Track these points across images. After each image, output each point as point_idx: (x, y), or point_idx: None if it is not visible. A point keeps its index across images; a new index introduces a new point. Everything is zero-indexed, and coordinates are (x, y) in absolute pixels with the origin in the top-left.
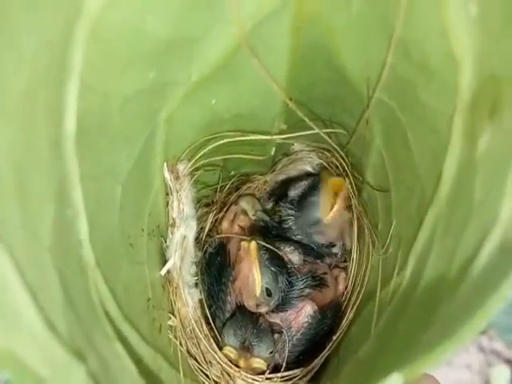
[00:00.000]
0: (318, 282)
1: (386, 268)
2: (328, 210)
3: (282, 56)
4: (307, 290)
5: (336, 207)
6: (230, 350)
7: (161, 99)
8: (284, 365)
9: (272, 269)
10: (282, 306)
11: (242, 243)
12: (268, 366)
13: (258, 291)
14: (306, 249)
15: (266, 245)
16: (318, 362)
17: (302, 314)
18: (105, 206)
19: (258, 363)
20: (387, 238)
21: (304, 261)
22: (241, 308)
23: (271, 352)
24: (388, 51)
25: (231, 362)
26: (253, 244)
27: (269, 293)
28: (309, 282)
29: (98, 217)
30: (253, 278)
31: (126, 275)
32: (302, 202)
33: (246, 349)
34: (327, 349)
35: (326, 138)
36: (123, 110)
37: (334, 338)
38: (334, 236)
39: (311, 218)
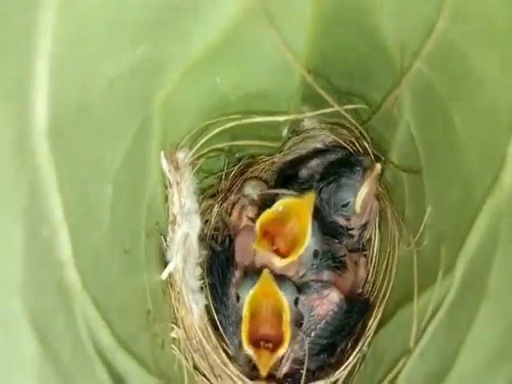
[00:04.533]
0: (338, 264)
1: (424, 265)
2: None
3: (302, 20)
4: (326, 274)
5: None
6: (249, 294)
7: (154, 80)
8: (305, 366)
9: (317, 228)
10: (302, 288)
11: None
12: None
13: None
14: (323, 228)
15: None
16: (342, 372)
17: (328, 302)
18: (92, 213)
19: (282, 299)
20: (419, 228)
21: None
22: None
23: (296, 300)
24: (439, 12)
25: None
26: (311, 196)
27: (316, 253)
28: (329, 261)
29: (83, 228)
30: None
31: (121, 289)
32: (331, 178)
33: None
34: (353, 356)
35: (345, 114)
36: (108, 96)
37: (362, 341)
38: (358, 224)
39: (342, 199)
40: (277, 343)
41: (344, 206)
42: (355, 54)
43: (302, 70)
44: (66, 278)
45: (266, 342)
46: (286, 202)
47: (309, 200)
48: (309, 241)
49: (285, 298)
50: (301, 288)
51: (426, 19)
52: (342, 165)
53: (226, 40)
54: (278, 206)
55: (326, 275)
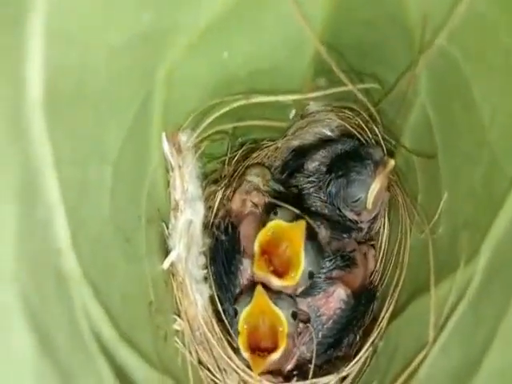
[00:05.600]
0: (347, 262)
1: (440, 253)
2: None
3: None
4: (335, 272)
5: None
6: (245, 311)
7: (159, 51)
8: (312, 365)
9: (312, 247)
10: (308, 289)
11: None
12: (295, 346)
13: (298, 275)
14: (331, 222)
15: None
16: (353, 367)
17: (334, 300)
18: (91, 196)
19: (279, 315)
20: (433, 215)
21: (330, 237)
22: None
23: (294, 314)
24: None
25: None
26: (302, 224)
27: (311, 275)
28: (338, 262)
29: (82, 212)
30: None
31: (123, 279)
32: (339, 173)
33: None
34: (365, 350)
35: (358, 93)
36: (110, 67)
37: (374, 335)
38: (369, 219)
39: (352, 196)
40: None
41: (354, 201)
42: (372, 29)
43: (317, 42)
44: (63, 265)
45: (263, 351)
46: (276, 226)
47: (300, 228)
48: (303, 265)
49: (281, 314)
50: (307, 290)
51: None
52: (351, 158)
53: (237, 9)
54: (269, 229)
55: (335, 273)
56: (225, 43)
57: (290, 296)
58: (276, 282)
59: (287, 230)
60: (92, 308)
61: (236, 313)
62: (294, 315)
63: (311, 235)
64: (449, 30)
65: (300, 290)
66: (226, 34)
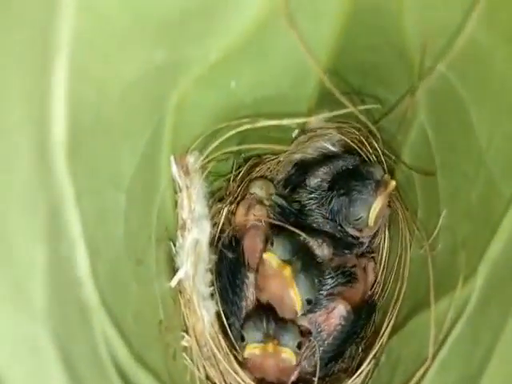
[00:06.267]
0: (349, 278)
1: (439, 270)
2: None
3: (327, 23)
4: (337, 288)
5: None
6: (253, 346)
7: (170, 83)
8: (316, 379)
9: (307, 277)
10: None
11: (266, 257)
12: (297, 363)
13: (299, 309)
14: (333, 240)
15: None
16: (356, 380)
17: (335, 316)
18: (107, 224)
19: (286, 352)
20: (434, 230)
21: (332, 254)
22: (260, 302)
23: (299, 344)
24: (467, 16)
25: (256, 365)
26: (287, 271)
27: (309, 301)
28: (339, 279)
29: (99, 240)
30: (290, 298)
31: (135, 300)
32: (341, 191)
33: (270, 337)
34: (367, 363)
35: (359, 115)
36: (124, 100)
37: (376, 349)
38: (370, 234)
39: (354, 214)
40: None
41: (356, 219)
42: (373, 54)
43: (320, 72)
44: (84, 295)
45: None
46: (271, 258)
47: (288, 276)
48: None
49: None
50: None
51: (451, 23)
52: (352, 177)
53: (245, 43)
54: (270, 260)
55: (337, 290)
56: (232, 73)
57: (293, 321)
58: (292, 294)
59: (279, 269)
60: (109, 334)
61: (243, 338)
62: (299, 345)
63: (306, 265)
64: (448, 57)
65: (299, 314)
66: (234, 65)
